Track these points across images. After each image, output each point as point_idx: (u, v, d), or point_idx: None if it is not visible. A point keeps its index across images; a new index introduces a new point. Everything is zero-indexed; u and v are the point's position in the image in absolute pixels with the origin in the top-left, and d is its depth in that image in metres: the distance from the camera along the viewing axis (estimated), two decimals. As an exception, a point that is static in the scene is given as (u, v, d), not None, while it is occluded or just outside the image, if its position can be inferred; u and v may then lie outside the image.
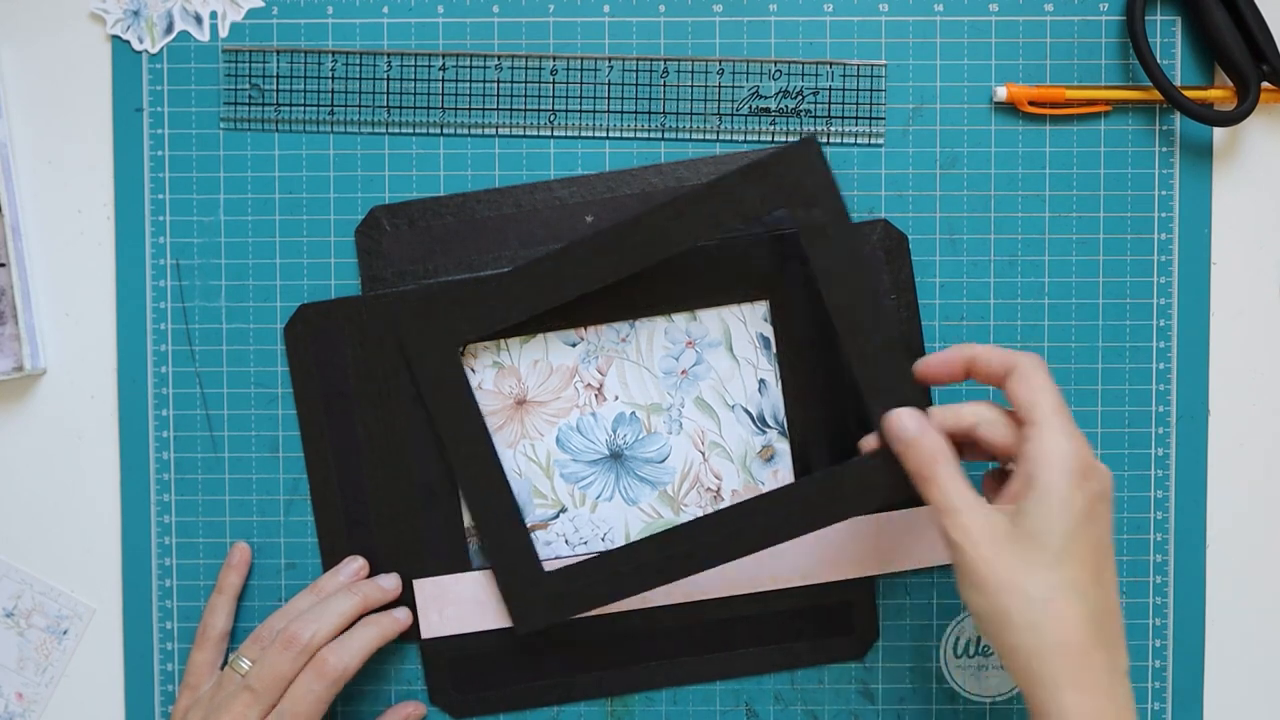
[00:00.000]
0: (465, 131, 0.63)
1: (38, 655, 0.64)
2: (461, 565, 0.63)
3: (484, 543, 0.61)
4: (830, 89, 0.62)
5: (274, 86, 0.63)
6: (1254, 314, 0.63)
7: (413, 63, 0.62)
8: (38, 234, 0.63)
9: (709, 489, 0.63)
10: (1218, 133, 0.63)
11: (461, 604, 0.62)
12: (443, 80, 0.63)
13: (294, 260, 0.63)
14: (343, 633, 0.58)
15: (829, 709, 0.64)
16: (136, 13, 0.62)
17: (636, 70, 0.62)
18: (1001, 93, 0.62)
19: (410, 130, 0.63)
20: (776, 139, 0.62)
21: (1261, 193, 0.63)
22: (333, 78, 0.63)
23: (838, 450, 0.62)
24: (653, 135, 0.63)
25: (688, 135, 0.63)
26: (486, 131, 0.63)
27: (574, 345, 0.63)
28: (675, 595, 0.62)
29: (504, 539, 0.61)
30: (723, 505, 0.62)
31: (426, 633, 0.62)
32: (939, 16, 0.62)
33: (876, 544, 0.62)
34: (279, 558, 0.63)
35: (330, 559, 0.63)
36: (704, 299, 0.62)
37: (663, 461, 0.63)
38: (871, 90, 0.62)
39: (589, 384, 0.63)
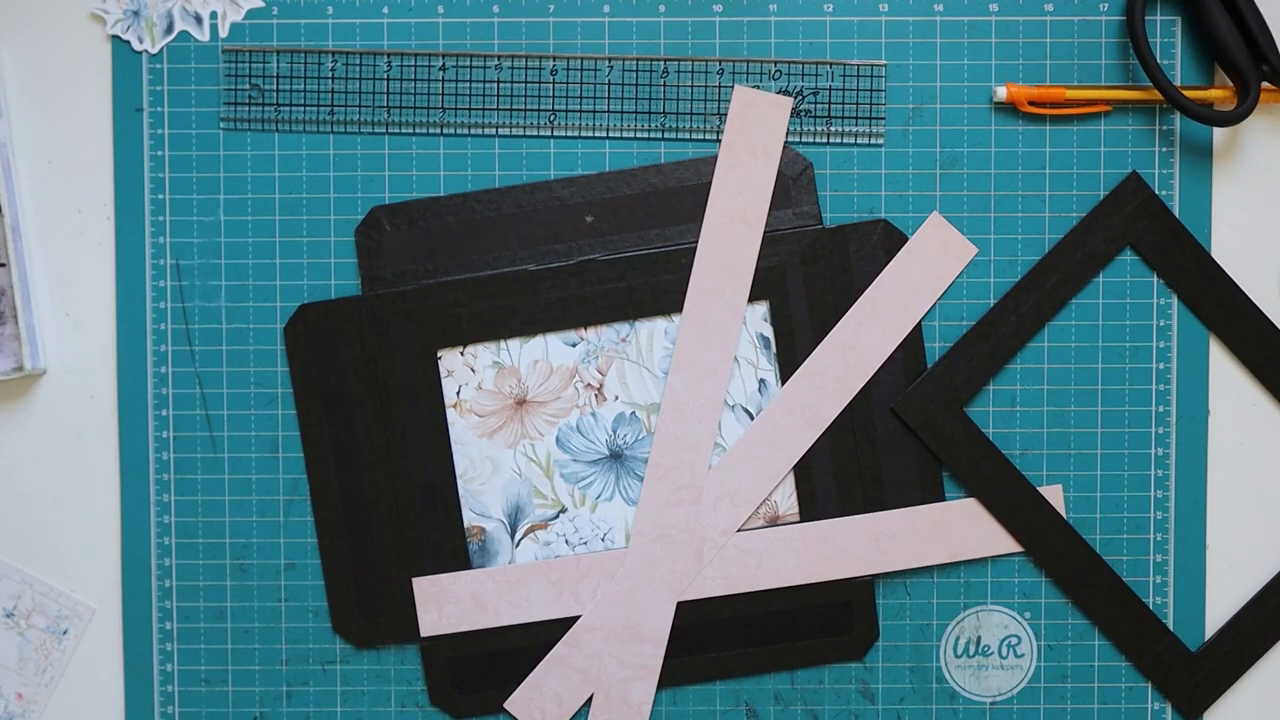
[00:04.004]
0: (465, 131, 0.63)
1: (38, 655, 0.64)
2: (461, 565, 0.63)
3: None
4: (830, 89, 0.62)
5: (274, 86, 0.63)
6: (1254, 314, 0.63)
7: (413, 63, 0.62)
8: (38, 234, 0.63)
9: (709, 489, 0.63)
10: (1218, 133, 0.63)
11: (460, 603, 0.62)
12: (443, 80, 0.63)
13: (294, 260, 0.63)
14: None
15: (829, 709, 0.64)
16: (136, 13, 0.62)
17: (636, 70, 0.62)
18: (1001, 93, 0.62)
19: (410, 130, 0.63)
20: (776, 139, 0.63)
21: (1261, 193, 0.63)
22: (333, 78, 0.63)
23: (837, 449, 0.62)
24: (653, 135, 0.63)
25: (688, 135, 0.63)
26: (486, 131, 0.63)
27: (574, 345, 0.63)
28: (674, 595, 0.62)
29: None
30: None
31: (425, 631, 0.62)
32: (939, 16, 0.62)
33: (876, 544, 0.62)
34: (279, 558, 0.63)
35: (330, 559, 0.63)
36: (704, 299, 0.62)
37: (663, 461, 0.63)
38: (871, 90, 0.62)
39: (589, 384, 0.63)
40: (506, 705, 0.63)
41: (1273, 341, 0.63)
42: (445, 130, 0.63)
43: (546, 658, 0.62)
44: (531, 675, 0.62)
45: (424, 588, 0.62)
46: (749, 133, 0.61)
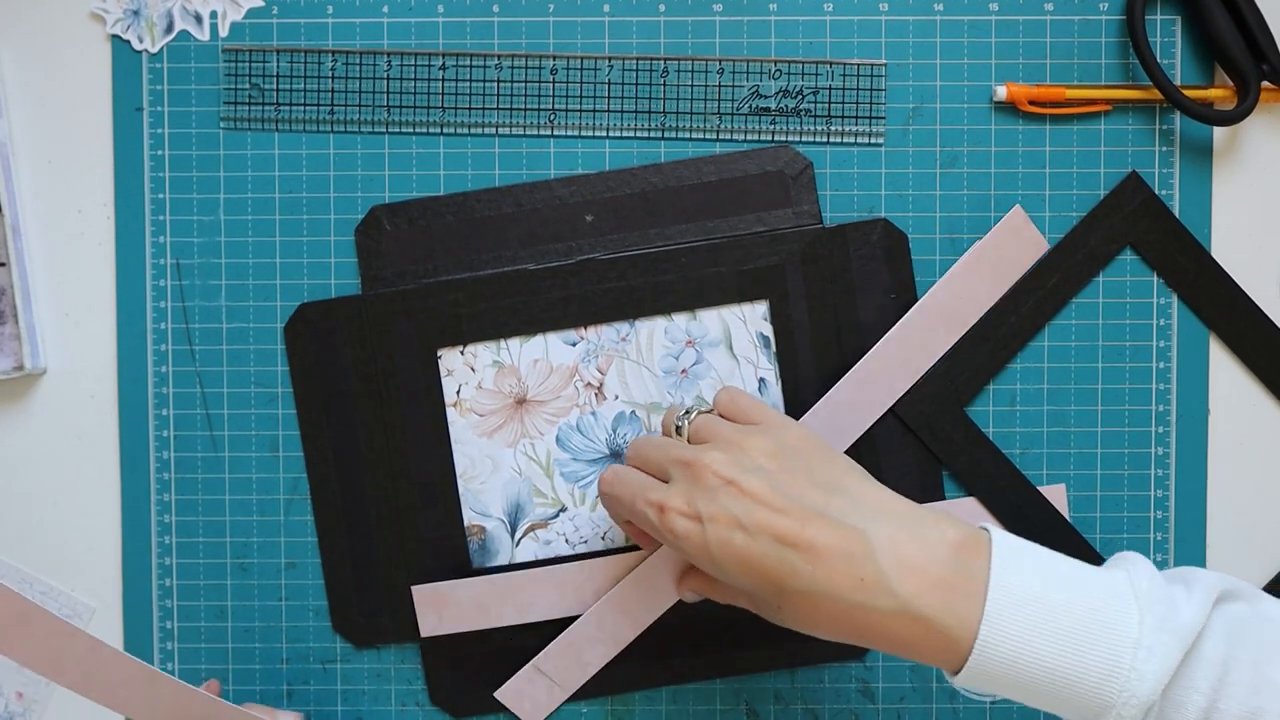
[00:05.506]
0: (465, 131, 0.63)
1: (38, 655, 0.64)
2: (462, 565, 0.63)
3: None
4: (830, 89, 0.62)
5: (274, 86, 0.63)
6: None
7: (413, 63, 0.62)
8: (38, 234, 0.63)
9: (709, 489, 0.63)
10: (1218, 132, 0.63)
11: (460, 606, 0.62)
12: (443, 80, 0.63)
13: (294, 260, 0.63)
14: None
15: (829, 708, 0.64)
16: (136, 12, 0.62)
17: (636, 70, 0.62)
18: (1001, 92, 0.62)
19: (410, 130, 0.63)
20: (776, 139, 0.62)
21: (1261, 193, 0.63)
22: (333, 78, 0.63)
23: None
24: (653, 135, 0.63)
25: (688, 135, 0.63)
26: (486, 131, 0.63)
27: (574, 344, 0.63)
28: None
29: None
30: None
31: (425, 632, 0.62)
32: (939, 16, 0.62)
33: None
34: (279, 557, 0.63)
35: (330, 558, 0.63)
36: (704, 299, 0.62)
37: (663, 461, 0.63)
38: (871, 90, 0.62)
39: (589, 383, 0.63)
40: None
41: (1273, 341, 0.63)
42: (445, 130, 0.63)
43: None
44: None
45: (422, 594, 0.62)
46: (1001, 252, 0.62)
